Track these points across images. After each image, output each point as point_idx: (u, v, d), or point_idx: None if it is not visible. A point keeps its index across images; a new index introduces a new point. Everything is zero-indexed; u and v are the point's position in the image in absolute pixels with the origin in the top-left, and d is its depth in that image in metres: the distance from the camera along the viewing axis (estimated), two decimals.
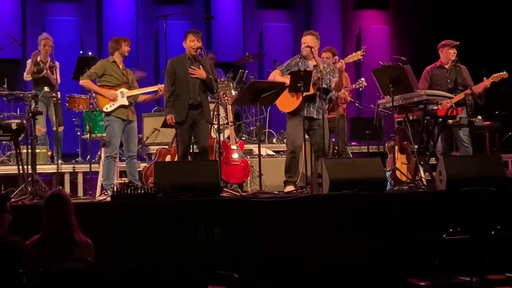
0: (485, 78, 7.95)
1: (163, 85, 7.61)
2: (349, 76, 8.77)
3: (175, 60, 7.52)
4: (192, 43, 7.39)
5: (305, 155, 7.56)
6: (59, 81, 8.78)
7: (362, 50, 7.53)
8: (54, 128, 8.65)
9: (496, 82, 8.00)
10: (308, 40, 7.44)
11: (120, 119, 7.48)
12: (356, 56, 7.52)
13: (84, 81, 7.63)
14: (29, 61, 9.09)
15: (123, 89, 7.53)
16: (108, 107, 7.47)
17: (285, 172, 7.43)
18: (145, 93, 7.85)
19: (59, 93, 8.66)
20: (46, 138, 9.18)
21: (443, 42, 8.36)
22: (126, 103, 7.50)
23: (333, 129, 8.18)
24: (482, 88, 7.93)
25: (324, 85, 7.29)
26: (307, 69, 7.30)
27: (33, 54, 9.07)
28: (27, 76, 9.04)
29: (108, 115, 7.51)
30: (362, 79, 8.01)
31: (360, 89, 8.28)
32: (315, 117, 7.32)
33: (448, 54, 8.26)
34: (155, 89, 7.77)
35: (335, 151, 8.43)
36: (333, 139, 8.42)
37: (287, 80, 7.22)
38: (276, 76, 7.51)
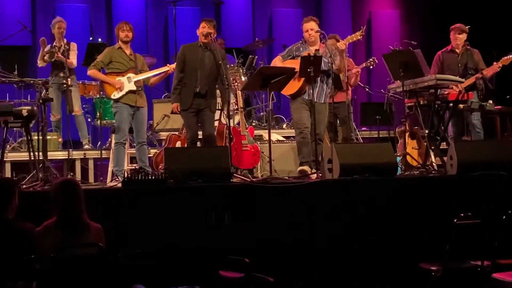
0: (495, 63, 7.89)
1: (173, 65, 7.61)
2: (360, 60, 8.73)
3: (187, 47, 7.50)
4: (203, 29, 7.35)
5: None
6: (74, 64, 8.82)
7: (361, 30, 7.61)
8: (73, 113, 8.69)
9: (506, 65, 7.93)
10: (314, 26, 7.47)
11: (128, 105, 7.49)
12: (355, 36, 7.59)
13: (91, 71, 7.65)
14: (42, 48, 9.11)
15: (130, 74, 7.53)
16: (115, 94, 7.48)
17: (298, 155, 7.44)
18: (155, 75, 7.83)
19: (72, 77, 8.67)
20: (59, 125, 9.19)
21: (453, 26, 8.29)
22: (134, 88, 7.50)
23: (339, 115, 8.20)
24: (491, 72, 7.86)
25: (324, 68, 7.31)
26: (309, 53, 7.31)
27: (40, 41, 9.07)
28: (39, 62, 9.05)
29: (116, 102, 7.53)
30: (373, 57, 7.97)
31: (371, 67, 8.21)
32: (316, 100, 7.30)
33: (455, 39, 8.20)
34: (165, 69, 7.74)
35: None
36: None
37: (289, 64, 7.26)
38: (276, 62, 7.55)
